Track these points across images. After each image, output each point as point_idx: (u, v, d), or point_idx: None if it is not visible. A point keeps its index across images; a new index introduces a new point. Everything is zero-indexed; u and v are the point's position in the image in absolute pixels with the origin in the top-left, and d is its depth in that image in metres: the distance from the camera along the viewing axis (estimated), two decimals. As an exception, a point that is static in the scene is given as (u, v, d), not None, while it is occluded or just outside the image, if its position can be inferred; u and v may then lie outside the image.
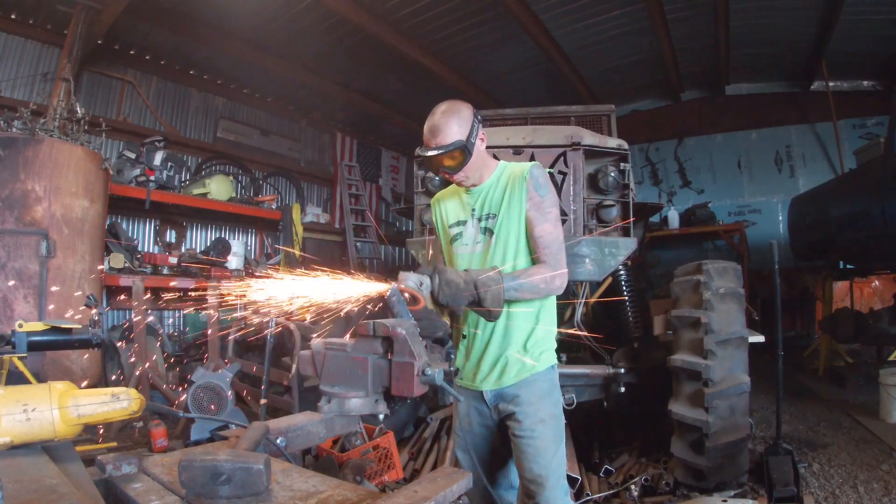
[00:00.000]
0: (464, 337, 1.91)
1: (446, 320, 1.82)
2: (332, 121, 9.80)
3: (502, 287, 1.63)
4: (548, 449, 1.80)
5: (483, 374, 1.86)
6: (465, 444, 1.98)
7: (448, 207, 2.01)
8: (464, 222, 1.93)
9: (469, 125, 1.78)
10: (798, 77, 8.74)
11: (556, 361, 1.92)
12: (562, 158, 3.39)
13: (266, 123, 8.83)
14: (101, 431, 3.85)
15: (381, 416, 1.54)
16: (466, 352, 1.91)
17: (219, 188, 6.80)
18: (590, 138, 3.50)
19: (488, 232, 1.86)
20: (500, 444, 1.93)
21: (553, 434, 1.83)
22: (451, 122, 1.77)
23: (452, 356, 1.87)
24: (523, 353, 1.83)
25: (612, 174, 3.47)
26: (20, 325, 2.48)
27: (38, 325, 2.59)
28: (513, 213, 1.82)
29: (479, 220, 1.89)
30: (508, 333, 1.84)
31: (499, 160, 1.96)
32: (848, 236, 5.74)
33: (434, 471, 1.41)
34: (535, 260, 1.80)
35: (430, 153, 1.78)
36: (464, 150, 1.77)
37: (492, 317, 1.67)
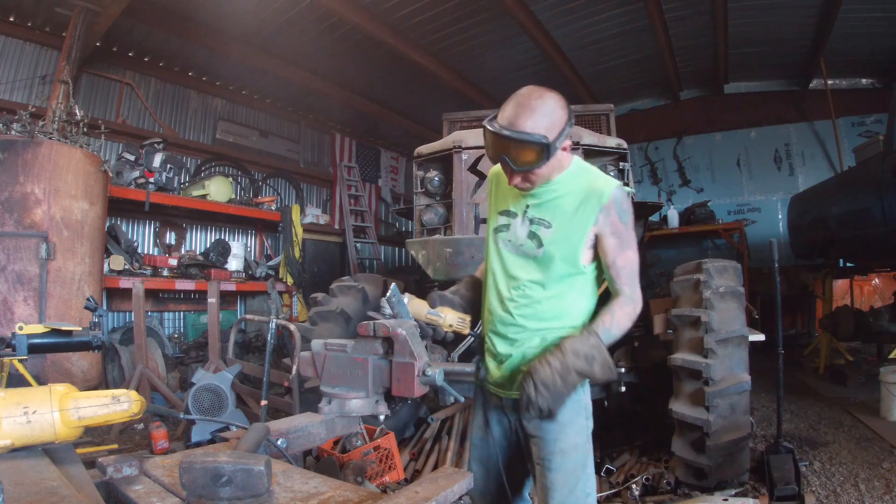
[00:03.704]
0: (491, 339, 1.74)
1: (439, 330, 1.72)
2: (330, 121, 9.80)
3: (607, 356, 1.46)
4: (566, 483, 1.60)
5: (505, 380, 1.67)
6: (479, 454, 1.83)
7: (503, 190, 1.74)
8: (514, 215, 1.68)
9: (561, 126, 1.49)
10: (797, 75, 8.75)
11: (586, 382, 1.63)
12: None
13: (265, 124, 8.83)
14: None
15: (382, 417, 1.54)
16: (491, 356, 1.73)
17: (218, 190, 6.80)
18: (589, 137, 3.51)
19: (536, 239, 1.61)
20: (517, 459, 1.75)
21: (573, 466, 1.61)
22: (544, 111, 1.47)
23: (481, 362, 1.74)
24: None
25: (612, 173, 3.47)
26: (20, 328, 2.49)
27: (39, 328, 2.59)
28: (571, 233, 1.57)
29: (531, 221, 1.63)
30: (535, 327, 1.63)
31: (573, 156, 1.63)
32: (847, 234, 5.74)
33: (435, 471, 1.41)
34: (612, 289, 1.60)
35: (505, 132, 1.45)
36: (542, 151, 1.46)
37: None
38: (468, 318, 1.75)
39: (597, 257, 1.61)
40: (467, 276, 1.97)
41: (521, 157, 1.48)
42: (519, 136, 1.44)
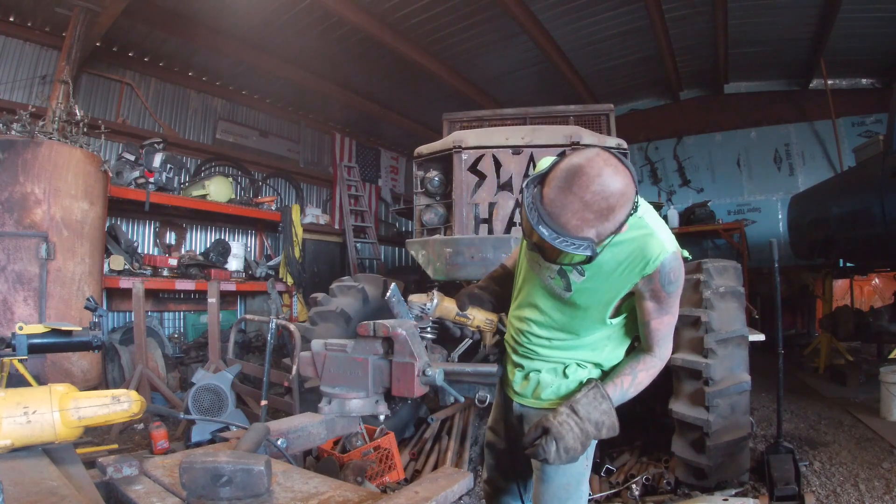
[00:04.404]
0: (507, 344, 1.75)
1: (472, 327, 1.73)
2: (330, 121, 9.80)
3: (615, 419, 1.43)
4: (555, 497, 1.57)
5: (515, 384, 1.68)
6: (493, 445, 1.85)
7: None
8: None
9: (615, 227, 1.26)
10: (797, 75, 8.75)
11: None
12: (561, 158, 3.38)
13: (265, 124, 8.84)
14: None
15: (382, 417, 1.54)
16: (508, 359, 1.74)
17: (218, 190, 6.80)
18: (589, 138, 3.51)
19: (566, 280, 1.48)
20: (523, 460, 1.73)
21: (566, 481, 1.57)
22: (601, 209, 1.21)
23: (501, 360, 1.77)
24: (560, 379, 1.59)
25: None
26: (21, 328, 2.49)
27: (39, 328, 2.59)
28: (604, 291, 1.46)
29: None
30: (547, 355, 1.61)
31: (635, 210, 1.29)
32: (847, 234, 5.74)
33: (435, 471, 1.41)
34: (642, 343, 1.55)
35: (543, 232, 1.21)
36: (583, 259, 1.30)
37: None
38: (496, 319, 1.74)
39: (630, 308, 1.51)
40: (499, 267, 1.89)
41: (554, 257, 1.33)
42: (558, 246, 1.22)
